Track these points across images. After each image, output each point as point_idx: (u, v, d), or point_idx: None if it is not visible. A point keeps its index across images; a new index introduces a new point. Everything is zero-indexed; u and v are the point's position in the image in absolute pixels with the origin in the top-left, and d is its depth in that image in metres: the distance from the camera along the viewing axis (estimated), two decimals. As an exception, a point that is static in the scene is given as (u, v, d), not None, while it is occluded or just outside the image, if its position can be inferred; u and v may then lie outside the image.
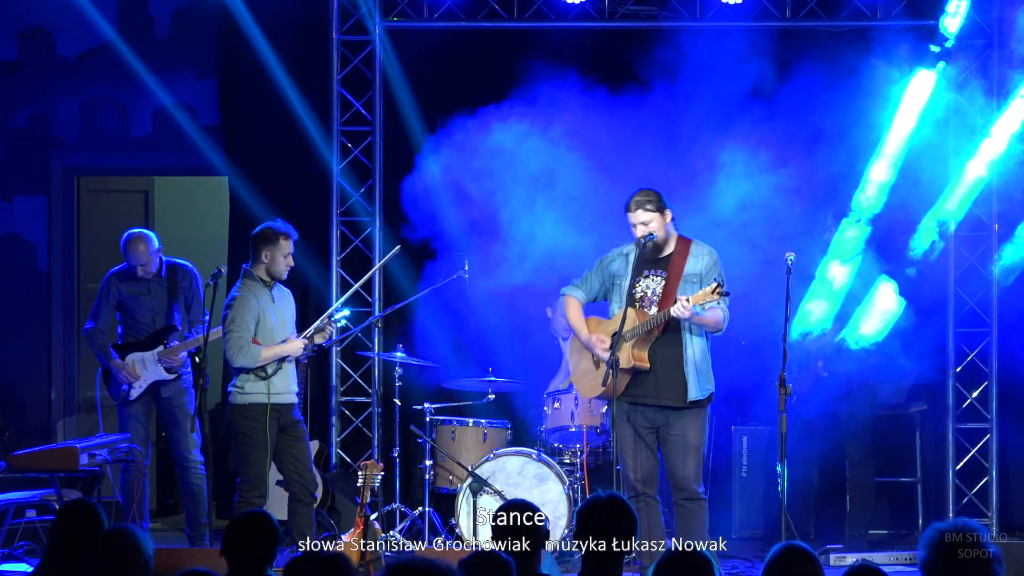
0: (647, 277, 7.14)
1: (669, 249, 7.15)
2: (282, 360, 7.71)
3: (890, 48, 8.81)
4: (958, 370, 9.15)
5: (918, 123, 8.75)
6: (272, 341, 7.70)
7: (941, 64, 8.75)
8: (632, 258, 7.13)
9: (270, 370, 7.67)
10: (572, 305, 7.35)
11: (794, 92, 8.79)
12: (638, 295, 7.13)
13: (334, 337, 8.55)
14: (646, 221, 7.07)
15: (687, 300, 6.81)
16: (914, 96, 8.75)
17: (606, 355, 7.04)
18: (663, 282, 7.09)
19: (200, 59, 9.81)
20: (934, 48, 8.72)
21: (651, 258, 7.15)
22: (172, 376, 8.42)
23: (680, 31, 9.06)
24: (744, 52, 8.86)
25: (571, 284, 7.41)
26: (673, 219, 7.16)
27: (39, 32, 9.88)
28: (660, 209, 7.07)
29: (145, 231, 8.58)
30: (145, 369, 8.42)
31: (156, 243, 8.52)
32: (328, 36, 9.36)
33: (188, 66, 9.82)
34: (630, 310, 7.06)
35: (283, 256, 7.73)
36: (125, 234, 8.52)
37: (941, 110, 8.87)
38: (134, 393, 8.41)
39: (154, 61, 9.72)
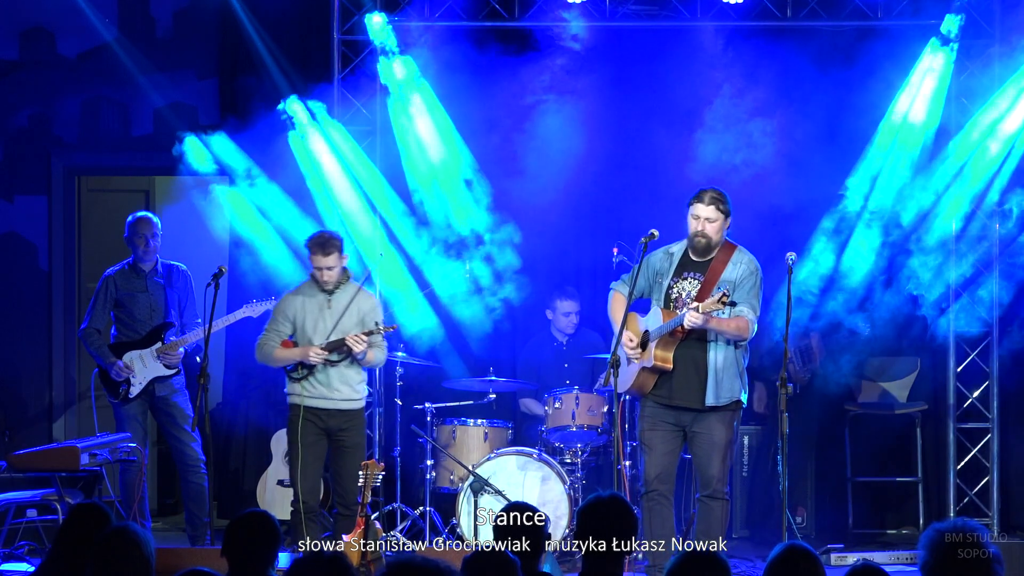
0: (685, 279, 7.19)
1: (713, 254, 7.17)
2: (326, 363, 7.59)
3: (891, 46, 8.81)
4: (959, 369, 9.13)
5: (926, 118, 8.80)
6: (309, 343, 7.65)
7: (942, 61, 8.75)
8: (677, 257, 7.20)
9: (300, 372, 7.64)
10: (615, 300, 7.42)
11: (794, 89, 8.81)
12: (674, 296, 7.18)
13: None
14: (711, 218, 7.10)
15: (697, 308, 6.83)
16: (915, 92, 8.79)
17: (632, 352, 7.12)
18: (699, 285, 7.11)
19: (200, 59, 9.80)
20: (935, 46, 8.72)
21: (694, 260, 7.19)
22: (172, 371, 8.41)
23: (681, 30, 9.07)
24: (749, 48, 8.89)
25: (620, 280, 7.48)
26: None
27: (39, 32, 9.86)
28: (727, 213, 7.12)
29: (150, 214, 8.68)
30: (144, 366, 8.41)
31: (159, 227, 8.57)
32: (329, 36, 9.35)
33: (188, 66, 9.81)
34: (661, 310, 7.11)
35: (316, 268, 7.67)
36: (130, 216, 8.59)
37: (941, 109, 8.88)
38: (134, 391, 8.39)
39: (155, 61, 9.71)
